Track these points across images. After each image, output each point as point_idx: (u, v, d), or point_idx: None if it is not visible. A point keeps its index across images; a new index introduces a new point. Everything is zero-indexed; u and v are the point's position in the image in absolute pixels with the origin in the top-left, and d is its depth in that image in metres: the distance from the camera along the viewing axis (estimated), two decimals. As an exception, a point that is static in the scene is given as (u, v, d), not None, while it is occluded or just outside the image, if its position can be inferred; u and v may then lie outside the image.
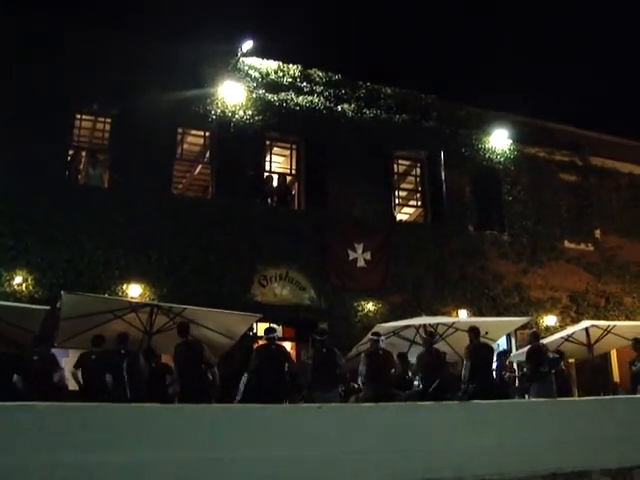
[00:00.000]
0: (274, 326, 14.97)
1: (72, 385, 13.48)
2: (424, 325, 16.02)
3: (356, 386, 14.49)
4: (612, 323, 18.61)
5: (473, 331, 14.36)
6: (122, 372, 12.49)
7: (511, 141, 22.87)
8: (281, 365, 13.03)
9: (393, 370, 13.72)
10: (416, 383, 14.68)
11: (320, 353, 13.51)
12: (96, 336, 13.40)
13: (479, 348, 14.26)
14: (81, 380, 13.14)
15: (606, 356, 21.29)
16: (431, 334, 15.02)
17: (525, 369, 15.87)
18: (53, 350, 13.63)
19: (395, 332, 16.01)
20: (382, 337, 14.14)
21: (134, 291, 16.73)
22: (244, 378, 13.40)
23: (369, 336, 14.20)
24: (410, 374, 15.08)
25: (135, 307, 14.21)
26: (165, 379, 13.68)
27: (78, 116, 18.25)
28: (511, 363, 17.87)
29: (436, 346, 15.08)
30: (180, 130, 19.35)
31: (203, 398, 11.74)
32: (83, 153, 18.62)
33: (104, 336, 13.42)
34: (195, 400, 11.21)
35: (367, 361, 13.53)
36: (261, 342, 14.13)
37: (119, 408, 9.95)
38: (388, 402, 12.24)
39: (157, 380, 13.35)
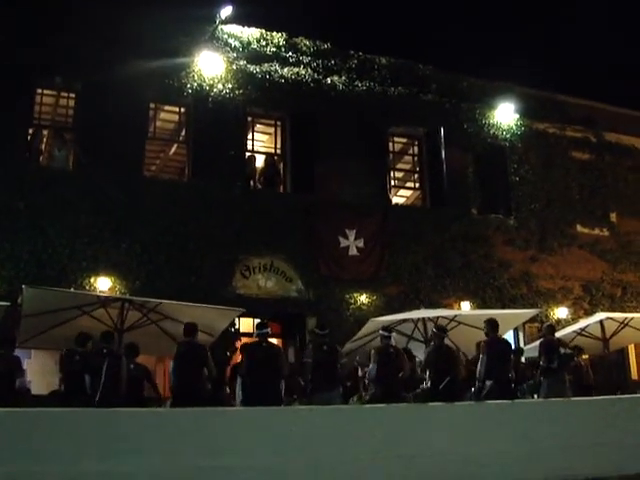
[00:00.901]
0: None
1: (35, 390, 13.45)
2: (423, 319, 16.02)
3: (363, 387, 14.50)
4: (630, 315, 18.64)
5: (490, 323, 14.31)
6: (100, 374, 12.39)
7: (518, 116, 22.87)
8: (274, 365, 12.95)
9: (402, 373, 13.69)
10: (426, 380, 14.68)
11: (321, 351, 13.49)
12: (80, 334, 13.28)
13: (496, 342, 14.25)
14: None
15: (623, 351, 21.38)
16: (443, 329, 14.96)
17: (541, 362, 15.88)
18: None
19: (391, 327, 15.99)
20: (393, 333, 14.18)
21: (103, 284, 16.65)
22: (239, 381, 13.35)
23: (380, 332, 14.15)
24: (419, 371, 15.06)
25: (104, 302, 14.11)
26: (143, 384, 13.64)
27: (39, 91, 18.11)
28: (527, 360, 17.81)
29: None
30: (152, 106, 19.25)
31: (197, 403, 11.71)
32: (45, 132, 18.50)
33: (89, 334, 13.34)
34: (188, 404, 11.20)
35: (377, 359, 13.49)
36: (251, 339, 14.04)
37: (89, 413, 9.96)
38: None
39: (135, 383, 13.30)
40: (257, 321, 16.91)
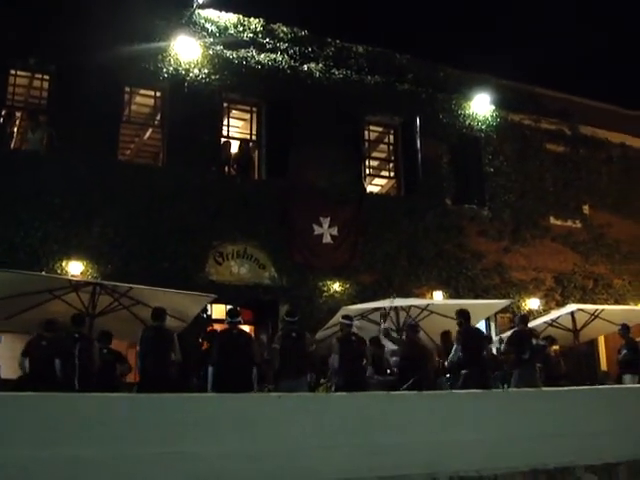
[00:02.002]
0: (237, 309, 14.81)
1: (4, 374, 13.35)
2: (395, 308, 16.02)
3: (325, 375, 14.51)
4: (600, 307, 18.81)
5: (462, 314, 14.39)
6: (74, 358, 12.30)
7: (494, 107, 22.93)
8: (245, 352, 12.92)
9: (365, 361, 13.68)
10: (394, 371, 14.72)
11: (289, 337, 13.41)
12: (48, 320, 13.22)
13: (471, 332, 14.34)
14: (27, 369, 12.98)
15: (593, 343, 21.54)
16: (413, 326, 14.94)
17: (501, 349, 15.96)
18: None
19: (364, 315, 16.02)
20: (355, 321, 14.17)
21: (75, 268, 16.54)
22: (210, 370, 13.32)
23: (340, 320, 14.13)
24: (387, 358, 15.08)
25: (76, 286, 13.99)
26: (115, 367, 13.60)
27: (12, 72, 17.92)
28: (498, 350, 17.92)
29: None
30: (128, 89, 19.08)
31: (165, 388, 11.64)
32: (18, 114, 18.33)
33: (56, 320, 13.24)
34: (155, 389, 11.14)
35: (339, 348, 13.47)
36: (221, 326, 14.01)
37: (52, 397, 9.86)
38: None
39: (107, 368, 13.26)
40: (229, 307, 16.97)
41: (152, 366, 12.36)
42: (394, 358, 14.86)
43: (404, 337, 14.73)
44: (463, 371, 13.73)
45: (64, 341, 12.67)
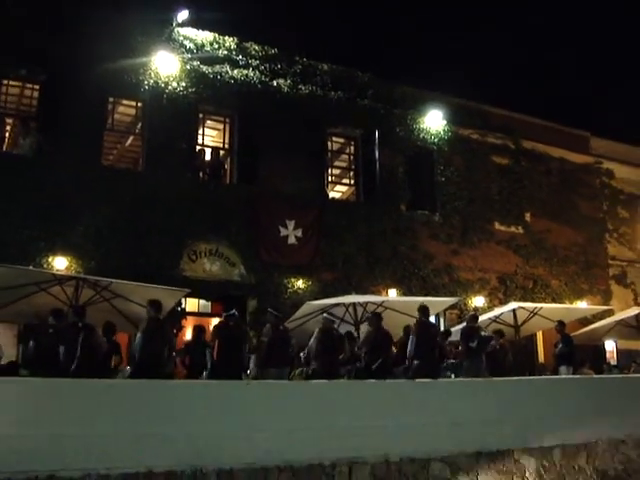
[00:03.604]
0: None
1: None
2: (354, 304, 16.13)
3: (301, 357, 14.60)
4: (539, 305, 19.06)
5: (423, 309, 14.56)
6: (77, 345, 12.21)
7: (445, 122, 23.12)
8: (241, 344, 13.13)
9: (342, 355, 13.84)
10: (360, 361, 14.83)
11: (277, 330, 13.61)
12: (55, 310, 12.96)
13: (427, 326, 14.48)
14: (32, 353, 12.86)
15: (532, 337, 21.81)
16: (378, 314, 15.09)
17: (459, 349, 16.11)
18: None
19: (324, 310, 16.07)
20: (337, 321, 14.49)
21: (60, 263, 16.52)
22: (208, 357, 13.43)
23: (324, 316, 14.27)
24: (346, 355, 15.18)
25: (60, 280, 13.98)
26: (112, 357, 13.54)
27: (5, 81, 17.83)
28: (451, 343, 18.07)
29: (365, 325, 15.28)
30: (111, 99, 19.03)
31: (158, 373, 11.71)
32: (9, 120, 18.20)
33: (63, 310, 13.12)
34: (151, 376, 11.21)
35: (320, 337, 13.60)
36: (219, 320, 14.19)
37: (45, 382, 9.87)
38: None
39: (105, 357, 13.22)
40: (202, 302, 17.07)
41: (152, 354, 12.42)
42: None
43: (368, 324, 14.85)
44: (415, 361, 13.86)
45: (69, 330, 12.60)
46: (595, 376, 17.84)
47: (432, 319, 19.14)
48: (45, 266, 16.25)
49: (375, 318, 14.66)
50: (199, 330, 14.41)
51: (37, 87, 18.11)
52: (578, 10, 54.35)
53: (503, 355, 16.97)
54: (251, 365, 14.13)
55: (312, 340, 13.79)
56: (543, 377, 17.21)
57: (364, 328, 15.40)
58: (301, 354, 14.67)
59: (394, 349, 15.18)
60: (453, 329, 18.08)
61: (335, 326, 14.29)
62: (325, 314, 14.37)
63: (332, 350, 13.53)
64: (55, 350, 12.26)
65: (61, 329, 12.75)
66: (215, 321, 19.17)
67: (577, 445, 13.37)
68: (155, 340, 12.46)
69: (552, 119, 25.60)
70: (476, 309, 20.93)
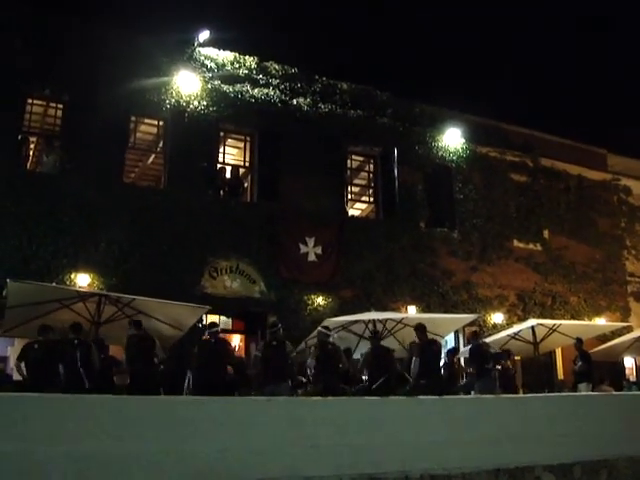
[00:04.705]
0: (216, 321, 15.04)
1: (17, 376, 13.26)
2: (373, 320, 16.06)
3: (304, 380, 14.52)
4: (557, 322, 18.90)
5: (419, 329, 14.48)
6: (75, 362, 12.27)
7: (464, 140, 23.06)
8: (220, 360, 13.10)
9: (341, 365, 13.75)
10: (364, 379, 14.74)
11: (270, 346, 13.42)
12: (42, 326, 13.02)
13: (428, 344, 14.38)
14: (24, 372, 12.86)
15: (551, 354, 21.63)
16: (376, 332, 15.07)
17: (470, 369, 16.02)
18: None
19: (344, 327, 16.03)
20: (333, 332, 14.25)
21: (82, 280, 16.50)
22: (189, 374, 13.42)
23: (319, 329, 14.19)
24: (352, 370, 15.10)
25: (83, 296, 13.99)
26: (112, 370, 13.60)
27: (29, 101, 17.91)
28: (459, 360, 18.06)
29: (385, 342, 15.20)
30: (133, 118, 19.09)
31: (152, 390, 11.66)
32: (32, 138, 18.34)
33: (50, 326, 13.07)
34: (144, 392, 11.13)
35: (316, 354, 13.54)
36: (204, 337, 14.08)
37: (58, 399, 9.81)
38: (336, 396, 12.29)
39: (105, 371, 13.24)
40: (223, 318, 17.05)
41: (137, 369, 12.50)
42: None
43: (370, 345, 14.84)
44: (421, 381, 13.82)
45: (62, 346, 12.64)
46: (615, 393, 17.67)
47: (451, 336, 19.24)
48: (67, 283, 16.23)
49: (373, 338, 14.66)
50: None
51: (60, 106, 18.18)
52: (592, 28, 54.33)
53: (511, 375, 16.92)
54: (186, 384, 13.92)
55: (309, 359, 13.74)
56: (563, 394, 17.04)
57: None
58: (300, 377, 14.63)
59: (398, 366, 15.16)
60: (464, 349, 18.01)
61: (331, 340, 14.14)
62: (320, 327, 14.28)
63: (328, 365, 13.43)
64: (45, 366, 12.33)
65: (49, 345, 12.76)
66: (236, 338, 19.34)
67: (598, 462, 13.21)
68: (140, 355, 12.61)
69: (569, 137, 25.52)
70: (495, 326, 20.86)
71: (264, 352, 13.33)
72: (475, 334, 16.28)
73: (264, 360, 13.19)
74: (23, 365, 12.79)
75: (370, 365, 14.21)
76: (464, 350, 17.69)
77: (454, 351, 17.49)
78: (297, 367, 14.61)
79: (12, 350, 14.66)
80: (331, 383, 13.04)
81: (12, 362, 13.39)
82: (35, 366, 12.55)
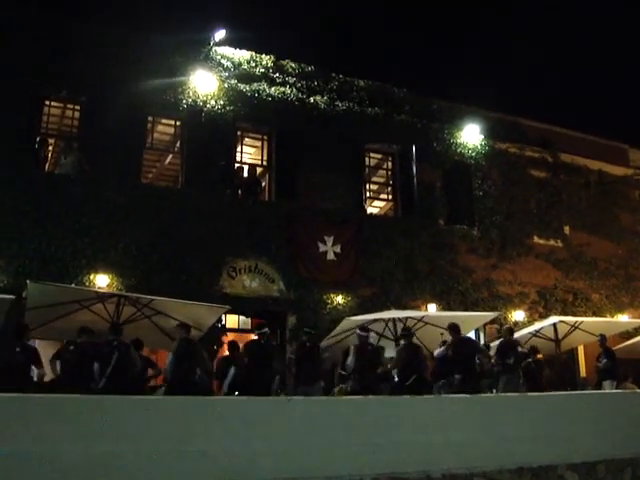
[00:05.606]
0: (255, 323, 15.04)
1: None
2: (393, 319, 16.01)
3: (343, 372, 14.49)
4: (579, 319, 18.73)
5: (452, 328, 14.54)
6: (109, 363, 12.27)
7: (482, 136, 22.94)
8: (269, 361, 13.08)
9: (380, 368, 13.78)
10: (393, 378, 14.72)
11: (303, 348, 13.55)
12: (81, 327, 13.23)
13: (463, 342, 14.41)
14: (58, 371, 12.96)
15: (573, 352, 21.48)
16: (408, 329, 15.04)
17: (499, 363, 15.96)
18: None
19: (361, 326, 15.96)
20: (372, 332, 14.31)
21: (101, 281, 16.51)
22: (232, 370, 13.42)
23: (357, 331, 14.18)
24: (384, 367, 15.08)
25: (102, 297, 13.98)
26: (147, 371, 13.68)
27: (47, 102, 18.00)
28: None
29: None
30: (150, 119, 19.13)
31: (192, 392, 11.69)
32: (51, 140, 18.40)
33: (89, 327, 13.27)
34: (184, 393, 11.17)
35: (357, 355, 13.55)
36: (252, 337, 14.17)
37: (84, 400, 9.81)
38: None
39: (141, 372, 13.38)
40: (242, 318, 17.04)
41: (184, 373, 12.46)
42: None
43: (402, 342, 14.76)
44: (457, 376, 13.78)
45: (98, 347, 12.68)
46: (639, 390, 17.52)
47: (472, 334, 19.14)
48: (86, 284, 16.26)
49: (406, 335, 14.62)
50: (232, 346, 14.49)
51: (78, 107, 18.25)
52: (609, 26, 54.00)
53: (540, 370, 16.77)
54: (227, 380, 13.90)
55: (349, 358, 13.72)
56: (586, 392, 16.92)
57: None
58: (340, 371, 14.61)
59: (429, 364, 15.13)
60: (492, 344, 17.90)
61: (370, 340, 14.16)
62: (358, 330, 14.26)
63: (369, 366, 13.44)
64: (77, 367, 12.40)
65: (85, 346, 12.83)
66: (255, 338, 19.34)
67: (622, 460, 13.10)
68: (186, 362, 12.52)
69: (590, 131, 25.35)
70: (516, 323, 20.69)
71: (297, 354, 13.45)
72: (509, 330, 16.22)
73: (297, 362, 13.31)
74: (58, 365, 12.92)
75: (403, 363, 14.18)
76: (492, 345, 17.58)
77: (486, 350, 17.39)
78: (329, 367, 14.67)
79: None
80: (370, 383, 13.07)
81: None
82: (69, 367, 12.68)
